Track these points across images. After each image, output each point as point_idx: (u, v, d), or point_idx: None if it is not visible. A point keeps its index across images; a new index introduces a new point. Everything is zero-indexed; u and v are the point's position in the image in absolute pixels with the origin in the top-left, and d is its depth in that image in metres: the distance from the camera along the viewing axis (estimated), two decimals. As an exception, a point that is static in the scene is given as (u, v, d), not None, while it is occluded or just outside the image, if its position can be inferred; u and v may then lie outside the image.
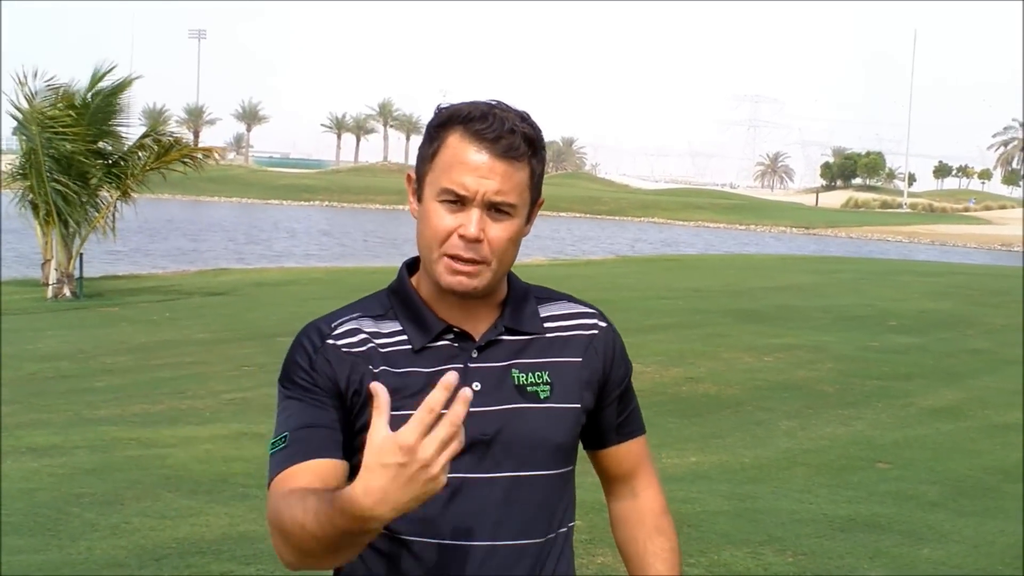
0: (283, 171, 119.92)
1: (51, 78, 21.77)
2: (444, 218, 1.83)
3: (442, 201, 1.83)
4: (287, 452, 1.79)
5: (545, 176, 1.95)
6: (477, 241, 1.82)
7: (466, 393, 1.51)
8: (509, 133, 1.81)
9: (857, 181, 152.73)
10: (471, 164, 1.80)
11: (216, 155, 26.01)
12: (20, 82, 21.20)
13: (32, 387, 10.65)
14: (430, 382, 1.73)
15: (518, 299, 1.98)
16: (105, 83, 22.09)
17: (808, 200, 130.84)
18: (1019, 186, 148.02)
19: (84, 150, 21.38)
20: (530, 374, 1.92)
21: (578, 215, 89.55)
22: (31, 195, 21.53)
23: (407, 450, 1.48)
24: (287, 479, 1.76)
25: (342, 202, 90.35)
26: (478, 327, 1.92)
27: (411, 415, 1.61)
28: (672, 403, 10.32)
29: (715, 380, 11.38)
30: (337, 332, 1.89)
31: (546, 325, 1.99)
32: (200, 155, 24.22)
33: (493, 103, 1.86)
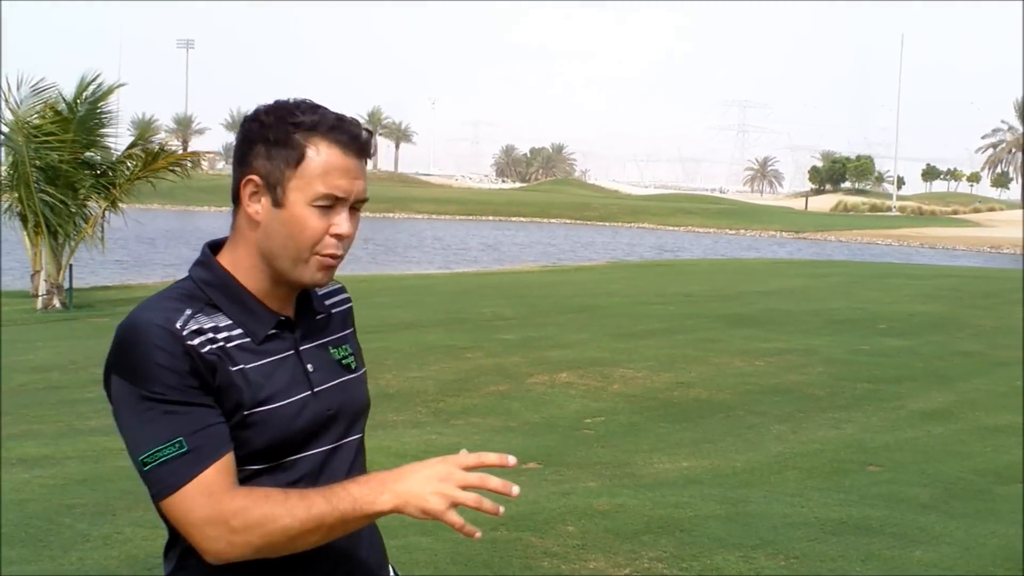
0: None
1: (39, 81, 21.62)
2: (319, 221, 1.94)
3: (318, 205, 1.94)
4: (194, 456, 1.85)
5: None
6: (348, 237, 1.97)
7: (510, 460, 1.83)
8: (364, 134, 1.97)
9: (846, 185, 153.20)
10: (345, 168, 1.94)
11: (204, 160, 25.94)
12: (5, 93, 21.11)
13: (22, 398, 10.62)
14: (277, 372, 1.97)
15: None
16: (90, 91, 21.99)
17: (798, 204, 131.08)
18: (1008, 188, 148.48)
19: (72, 160, 21.32)
20: (340, 348, 2.13)
21: (568, 221, 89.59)
22: (19, 206, 21.45)
23: (455, 464, 1.80)
24: (216, 479, 1.85)
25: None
26: (287, 311, 2.06)
27: (275, 407, 1.93)
28: (663, 408, 10.33)
29: (706, 385, 11.39)
30: (186, 333, 1.91)
31: (326, 303, 2.17)
32: (188, 161, 24.21)
33: (317, 106, 1.98)
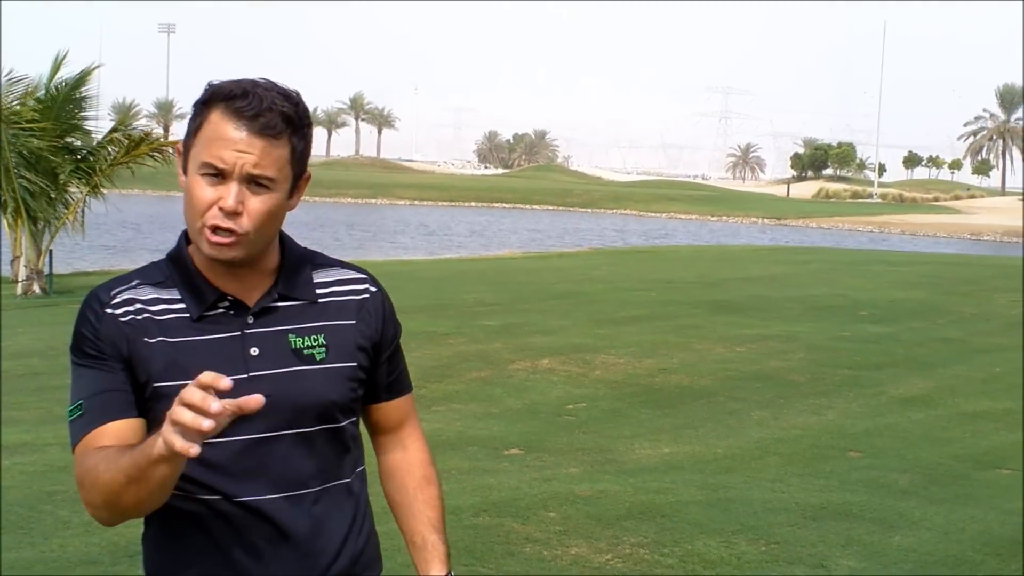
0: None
1: (10, 72, 21.49)
2: (205, 190, 1.93)
3: (203, 175, 1.93)
4: (85, 418, 1.94)
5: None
6: (235, 213, 1.92)
7: (222, 383, 1.66)
8: (267, 111, 1.92)
9: (828, 172, 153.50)
10: (230, 139, 1.91)
11: (180, 143, 25.72)
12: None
13: (2, 385, 10.57)
14: (207, 350, 1.97)
15: (292, 266, 2.09)
16: (65, 72, 21.80)
17: (780, 191, 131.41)
18: (988, 176, 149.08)
19: (51, 146, 21.16)
20: (306, 338, 2.05)
21: (550, 207, 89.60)
22: (-1, 191, 21.29)
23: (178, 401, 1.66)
24: (90, 442, 1.92)
25: (314, 196, 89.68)
26: (252, 294, 2.04)
27: (185, 383, 1.81)
28: (645, 394, 10.36)
29: (688, 371, 11.42)
30: (115, 302, 2.01)
31: (319, 291, 2.10)
32: (170, 149, 24.01)
33: (259, 81, 1.97)
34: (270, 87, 1.96)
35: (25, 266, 21.27)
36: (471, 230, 58.78)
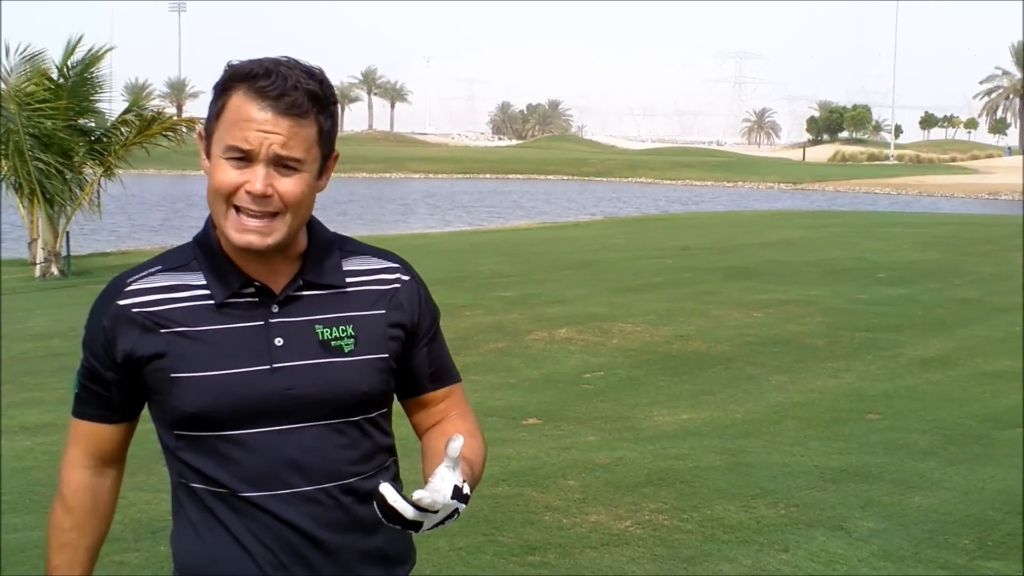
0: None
1: (26, 48, 21.53)
2: (229, 173, 1.87)
3: (228, 158, 1.87)
4: (79, 401, 2.09)
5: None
6: (264, 196, 1.86)
7: None
8: (292, 90, 1.85)
9: (844, 135, 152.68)
10: (255, 120, 1.85)
11: (198, 125, 25.72)
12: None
13: (23, 366, 10.65)
14: (229, 339, 1.92)
15: (319, 251, 2.02)
16: (79, 55, 21.79)
17: (795, 155, 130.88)
18: (1005, 135, 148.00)
19: (65, 127, 21.20)
20: (334, 328, 1.97)
21: (565, 177, 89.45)
22: (14, 175, 21.36)
23: None
24: (77, 429, 2.10)
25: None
26: (279, 280, 1.97)
27: (212, 375, 1.89)
28: (663, 361, 10.36)
29: (705, 337, 11.41)
30: (130, 290, 1.98)
31: (348, 280, 2.02)
32: (183, 127, 24.04)
33: (281, 60, 1.90)
34: (293, 65, 1.89)
35: (43, 248, 21.37)
36: (501, 202, 58.43)
